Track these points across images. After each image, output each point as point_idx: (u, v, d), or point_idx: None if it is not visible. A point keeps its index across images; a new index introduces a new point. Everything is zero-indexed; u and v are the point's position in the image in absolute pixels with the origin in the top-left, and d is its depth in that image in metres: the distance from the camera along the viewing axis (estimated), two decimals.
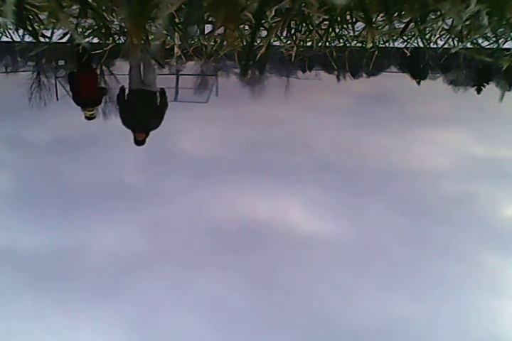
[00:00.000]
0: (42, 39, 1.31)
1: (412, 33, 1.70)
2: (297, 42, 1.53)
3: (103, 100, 5.41)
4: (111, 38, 1.24)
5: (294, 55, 2.03)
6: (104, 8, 0.92)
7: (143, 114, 4.77)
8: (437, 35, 1.47)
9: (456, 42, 1.43)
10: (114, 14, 1.00)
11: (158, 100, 4.94)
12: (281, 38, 1.51)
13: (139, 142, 4.40)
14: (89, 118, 4.88)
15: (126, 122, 4.54)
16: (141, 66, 5.35)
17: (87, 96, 5.41)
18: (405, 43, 1.94)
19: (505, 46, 1.44)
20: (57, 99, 5.72)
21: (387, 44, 1.90)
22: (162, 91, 5.13)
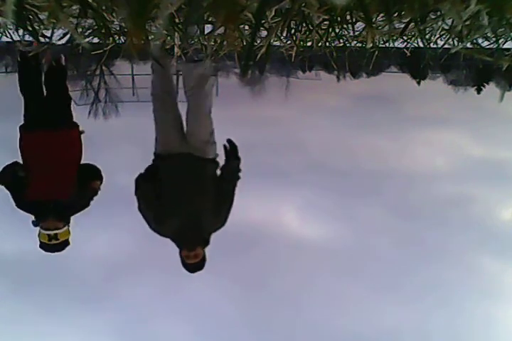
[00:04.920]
0: (42, 39, 1.31)
1: (412, 33, 1.70)
2: (297, 42, 1.53)
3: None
4: (111, 38, 1.24)
5: (294, 55, 2.03)
6: (104, 8, 0.92)
7: (193, 207, 2.50)
8: (437, 35, 1.47)
9: (456, 42, 1.43)
10: (114, 14, 1.00)
11: (221, 174, 2.63)
12: (281, 38, 1.51)
13: (194, 266, 2.49)
14: (48, 246, 2.70)
15: (162, 229, 2.51)
16: (174, 105, 2.76)
17: (51, 194, 2.75)
18: (405, 43, 1.94)
19: (505, 46, 1.44)
20: None
21: (387, 44, 1.90)
22: (231, 154, 2.59)
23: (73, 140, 3.05)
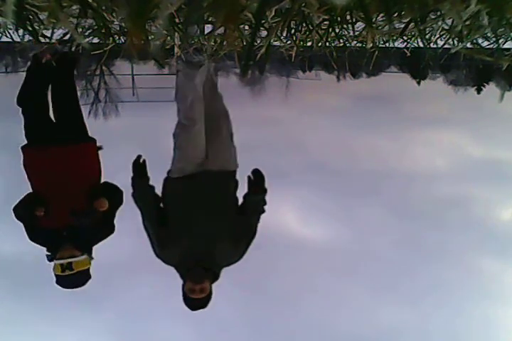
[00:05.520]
0: (42, 39, 1.31)
1: (412, 33, 1.70)
2: (297, 42, 1.53)
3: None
4: (111, 38, 1.24)
5: (294, 55, 2.03)
6: (104, 8, 0.92)
7: (207, 233, 2.19)
8: (437, 35, 1.47)
9: (456, 42, 1.43)
10: (114, 14, 1.00)
11: (245, 205, 2.36)
12: (281, 38, 1.51)
13: (198, 303, 2.15)
14: (62, 278, 2.34)
15: (165, 254, 2.22)
16: (200, 134, 2.42)
17: (65, 220, 2.37)
18: (405, 43, 1.94)
19: (505, 46, 1.44)
20: None
21: (387, 44, 1.90)
22: (257, 186, 2.34)
23: (90, 157, 2.64)
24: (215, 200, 2.32)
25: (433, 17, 1.05)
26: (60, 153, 2.55)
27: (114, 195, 2.56)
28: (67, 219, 2.35)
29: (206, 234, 2.21)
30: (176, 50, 1.74)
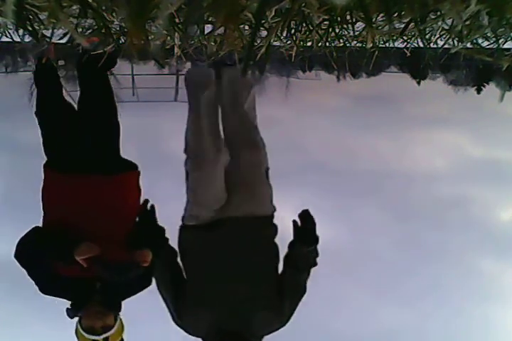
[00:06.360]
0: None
1: (412, 33, 1.70)
2: (297, 42, 1.53)
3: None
4: (111, 38, 1.24)
5: (294, 55, 2.03)
6: (104, 8, 0.92)
7: (241, 297, 1.80)
8: (437, 35, 1.47)
9: (456, 42, 1.43)
10: (114, 14, 1.00)
11: (292, 259, 1.94)
12: (281, 38, 1.51)
13: None
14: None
15: (188, 324, 1.87)
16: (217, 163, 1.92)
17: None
18: (405, 43, 1.94)
19: (505, 46, 1.44)
20: None
21: (387, 44, 1.90)
22: (307, 233, 1.89)
23: (134, 190, 2.10)
24: (247, 255, 1.84)
25: (433, 17, 1.05)
26: (99, 183, 2.01)
27: (157, 240, 2.00)
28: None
29: (238, 300, 1.76)
30: (176, 50, 1.74)
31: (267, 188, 2.02)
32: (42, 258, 1.88)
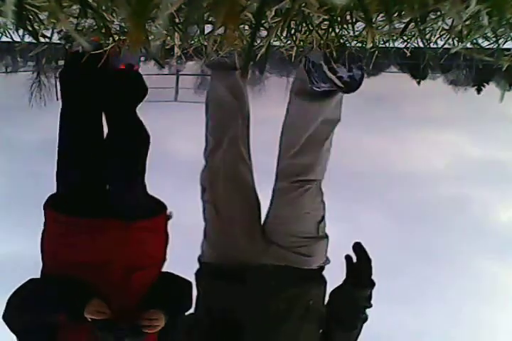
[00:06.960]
0: (42, 39, 1.31)
1: (412, 33, 1.70)
2: (297, 42, 1.53)
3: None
4: (111, 38, 1.24)
5: (294, 55, 2.03)
6: (104, 8, 0.92)
7: None
8: (437, 35, 1.47)
9: (456, 42, 1.43)
10: (114, 14, 1.00)
11: (338, 310, 1.58)
12: (281, 38, 1.51)
13: None
14: None
15: None
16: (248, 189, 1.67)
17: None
18: (405, 43, 1.94)
19: (505, 46, 1.44)
20: (57, 99, 5.48)
21: (387, 44, 1.90)
22: (362, 275, 1.55)
23: (157, 235, 1.79)
24: (283, 316, 1.48)
25: (433, 17, 1.05)
26: (119, 230, 1.69)
27: (178, 299, 1.65)
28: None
29: None
30: (176, 50, 1.74)
31: (324, 239, 1.65)
32: (46, 313, 1.57)
